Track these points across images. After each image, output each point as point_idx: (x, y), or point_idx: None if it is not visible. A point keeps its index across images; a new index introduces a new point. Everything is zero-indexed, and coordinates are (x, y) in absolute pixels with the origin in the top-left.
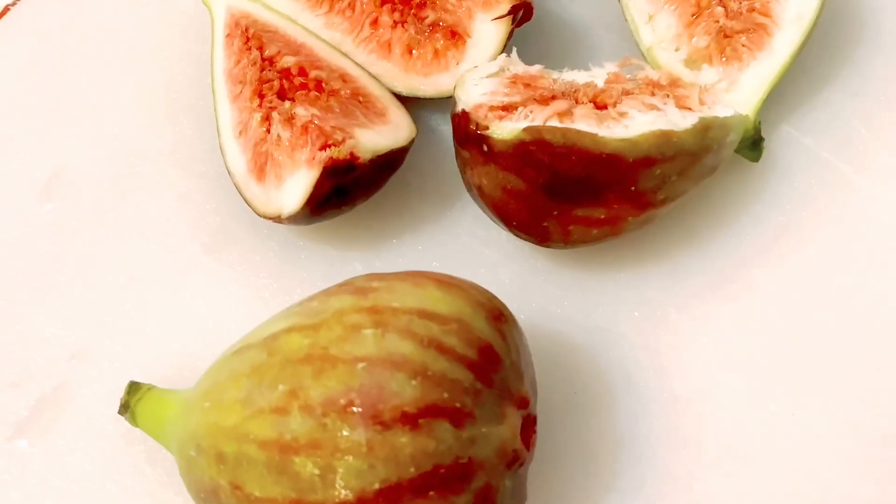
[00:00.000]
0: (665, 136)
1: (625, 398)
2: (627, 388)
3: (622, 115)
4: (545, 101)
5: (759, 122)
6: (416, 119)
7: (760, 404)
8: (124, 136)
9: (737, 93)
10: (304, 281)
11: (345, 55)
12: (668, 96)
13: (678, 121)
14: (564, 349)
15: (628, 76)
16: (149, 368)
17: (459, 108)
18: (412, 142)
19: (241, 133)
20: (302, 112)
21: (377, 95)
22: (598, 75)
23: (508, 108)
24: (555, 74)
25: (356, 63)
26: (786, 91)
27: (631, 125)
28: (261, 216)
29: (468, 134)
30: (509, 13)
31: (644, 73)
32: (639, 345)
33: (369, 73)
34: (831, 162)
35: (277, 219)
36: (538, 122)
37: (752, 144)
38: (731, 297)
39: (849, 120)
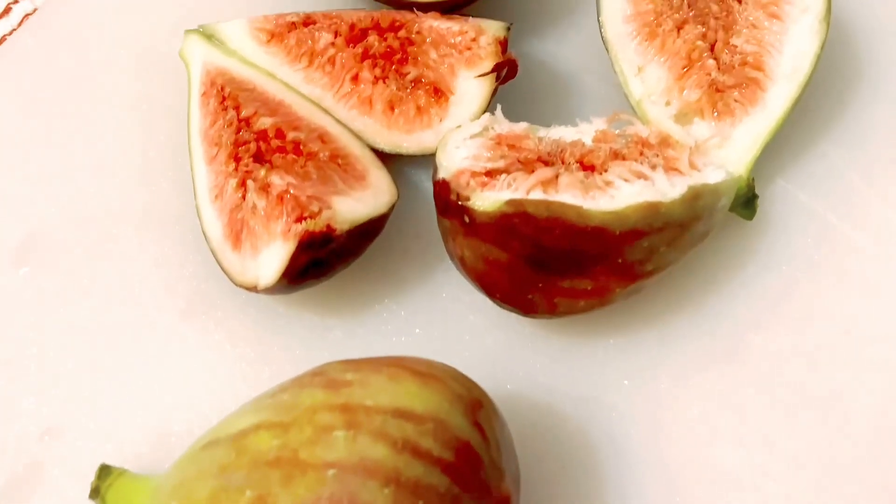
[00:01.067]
0: (652, 208)
1: (614, 472)
2: (617, 462)
3: (608, 184)
4: (530, 164)
5: (753, 179)
6: (398, 175)
7: (756, 480)
8: (100, 196)
9: (729, 149)
10: (284, 348)
11: (325, 111)
12: (657, 156)
13: (666, 190)
14: (552, 420)
15: (617, 131)
16: (123, 445)
17: (440, 176)
18: (393, 207)
19: (216, 197)
20: (277, 181)
21: (357, 156)
22: (585, 131)
23: (492, 174)
24: (541, 132)
25: (337, 120)
26: (780, 143)
27: (617, 196)
28: (237, 285)
29: (449, 204)
30: (493, 71)
31: (634, 129)
32: (629, 416)
33: (350, 131)
34: (828, 219)
35: (254, 289)
36: (521, 193)
37: (746, 202)
38: (726, 365)
39: (846, 173)
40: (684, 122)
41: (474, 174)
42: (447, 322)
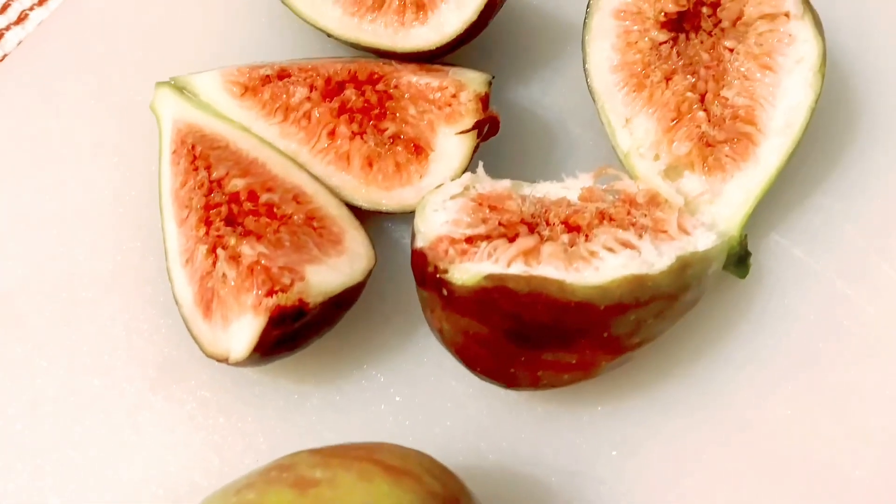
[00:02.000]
0: (639, 281)
1: None
2: None
3: (593, 254)
4: (513, 227)
5: (745, 236)
6: (378, 232)
7: None
8: (68, 256)
9: (720, 206)
10: (258, 419)
11: (301, 167)
12: (645, 215)
13: (653, 260)
14: (538, 496)
15: (604, 186)
16: None
17: (418, 245)
18: (370, 273)
19: (187, 262)
20: (248, 251)
21: (334, 216)
22: (572, 187)
23: (472, 240)
24: (525, 188)
25: (313, 176)
26: (774, 194)
27: (602, 268)
28: (208, 356)
29: (426, 276)
30: (474, 128)
31: (621, 185)
32: (617, 490)
33: (327, 188)
34: (825, 275)
35: (225, 361)
36: (502, 265)
37: (739, 260)
38: (718, 433)
39: (842, 226)
40: (674, 176)
41: (453, 241)
42: (428, 389)
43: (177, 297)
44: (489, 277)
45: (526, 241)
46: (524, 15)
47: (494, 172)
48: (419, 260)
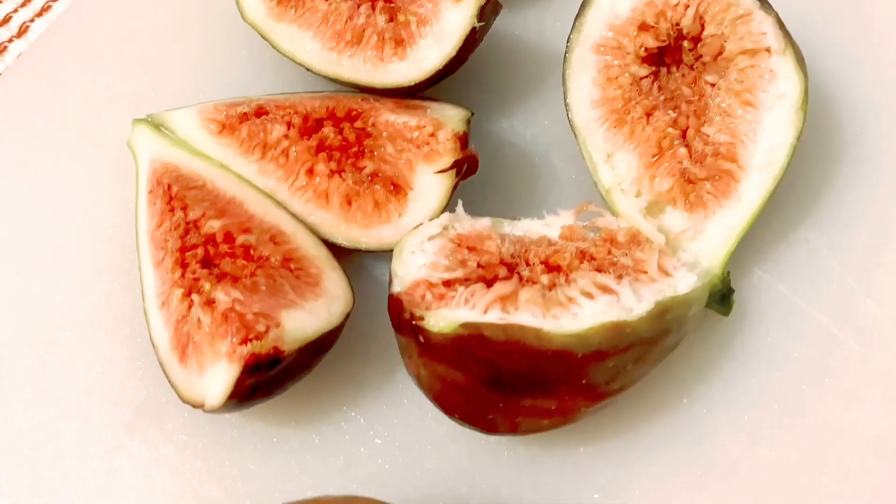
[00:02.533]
0: (617, 329)
1: None
2: None
3: (571, 300)
4: (491, 269)
5: (728, 273)
6: (357, 269)
7: None
8: (44, 297)
9: (702, 243)
10: (236, 463)
11: (279, 204)
12: (626, 255)
13: (632, 305)
14: None
15: (585, 223)
16: None
17: (395, 289)
18: (347, 316)
19: (163, 304)
20: (222, 297)
21: (312, 257)
22: (552, 224)
23: (450, 284)
24: (505, 226)
25: (291, 214)
26: (758, 228)
27: (580, 314)
28: (184, 402)
29: (402, 322)
30: (453, 167)
31: (603, 222)
32: None
33: (306, 226)
34: (809, 312)
35: (201, 407)
36: (479, 311)
37: (722, 298)
38: (702, 475)
39: (827, 261)
40: (656, 213)
41: (430, 285)
42: (408, 430)
43: (153, 339)
44: (465, 325)
45: (503, 287)
46: (506, 45)
47: (476, 206)
48: (395, 305)
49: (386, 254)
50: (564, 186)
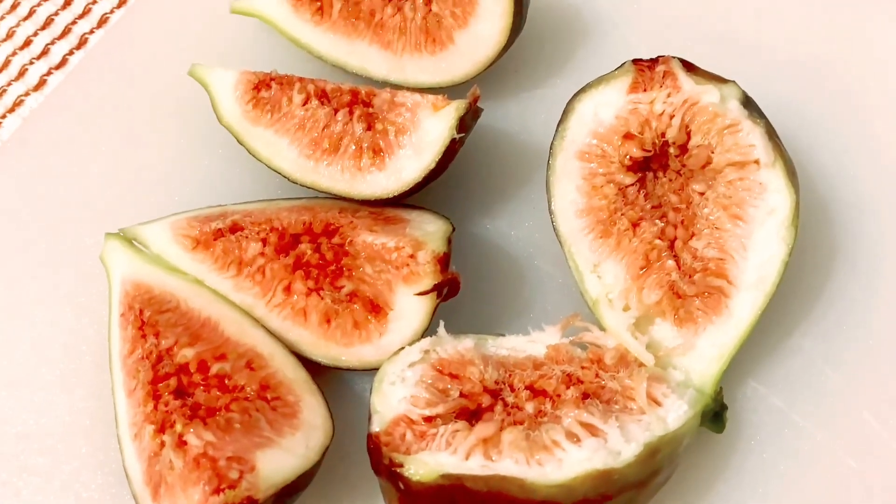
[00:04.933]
0: (604, 476)
1: None
2: None
3: (556, 444)
4: (474, 399)
5: (721, 390)
6: (339, 385)
7: None
8: (17, 419)
9: (693, 359)
10: None
11: (256, 322)
12: (613, 378)
13: (620, 448)
14: None
15: (571, 338)
16: None
17: (374, 427)
18: (326, 450)
19: (136, 436)
20: (195, 441)
21: (290, 382)
22: (538, 341)
23: (430, 420)
24: (489, 344)
25: (268, 332)
26: (750, 337)
27: (566, 461)
28: None
29: (381, 467)
30: (433, 290)
31: (590, 337)
32: None
33: (283, 344)
34: (804, 426)
35: None
36: (460, 457)
37: (714, 416)
38: None
39: (822, 369)
40: (645, 324)
41: (411, 423)
42: None
43: (126, 470)
44: (446, 476)
45: (485, 429)
46: (489, 140)
47: (460, 314)
48: (375, 449)
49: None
50: (550, 292)
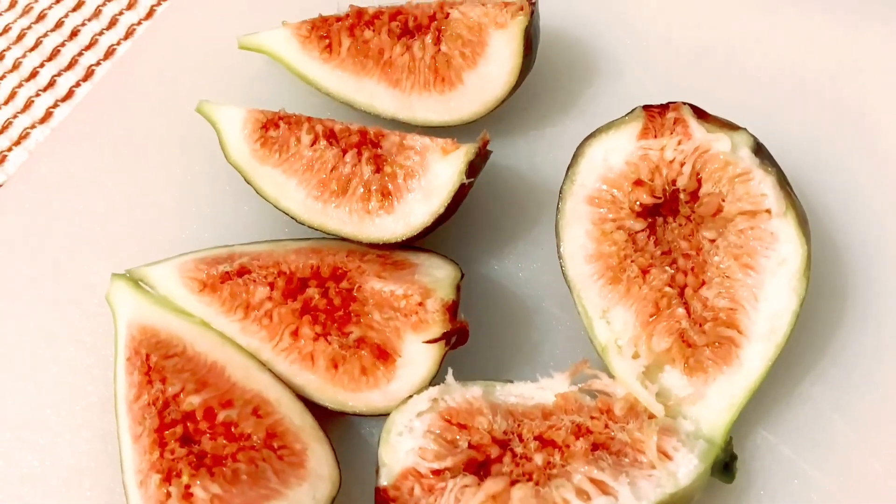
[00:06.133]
0: None
1: None
2: None
3: (566, 502)
4: (483, 450)
5: (731, 440)
6: (345, 427)
7: None
8: (21, 461)
9: (703, 408)
10: None
11: (263, 365)
12: (623, 429)
13: None
14: None
15: (580, 385)
16: None
17: (382, 481)
18: (333, 500)
19: (141, 483)
20: (201, 494)
21: (297, 430)
22: (547, 387)
23: (439, 474)
24: (497, 390)
25: (275, 376)
26: (760, 386)
27: None
28: None
29: None
30: (442, 338)
31: (599, 385)
32: None
33: (290, 388)
34: (813, 476)
35: None
36: None
37: (724, 466)
38: None
39: (831, 417)
40: (654, 372)
41: (419, 476)
42: None
43: None
44: None
45: (494, 485)
46: (497, 179)
47: (468, 357)
48: (383, 503)
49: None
50: (558, 335)
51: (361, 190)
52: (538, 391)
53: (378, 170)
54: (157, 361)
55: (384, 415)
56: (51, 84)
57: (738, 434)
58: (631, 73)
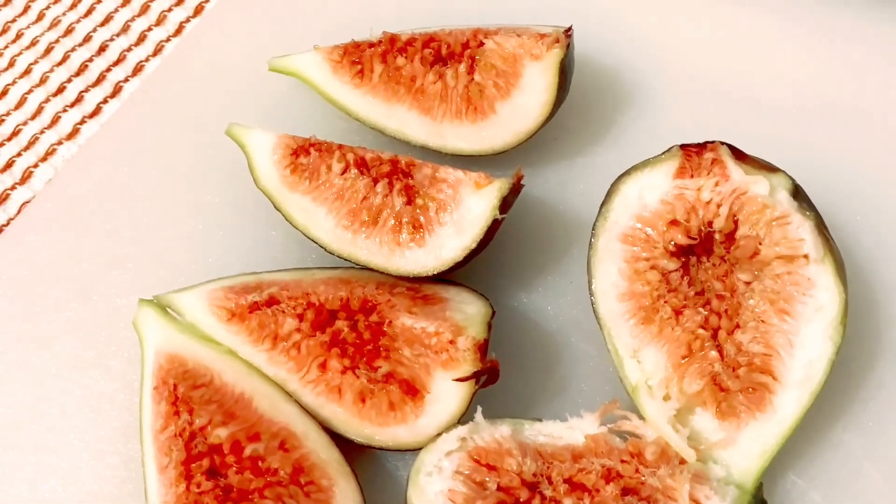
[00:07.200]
0: None
1: None
2: None
3: None
4: (513, 494)
5: (761, 486)
6: (371, 462)
7: None
8: (44, 486)
9: (735, 454)
10: None
11: (290, 396)
12: (654, 474)
13: None
14: None
15: (610, 426)
16: None
17: None
18: None
19: None
20: None
21: (323, 464)
22: (576, 427)
23: None
24: (526, 429)
25: (302, 408)
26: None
27: None
28: None
29: None
30: (472, 377)
31: (630, 426)
32: None
33: (317, 423)
34: None
35: None
36: None
37: None
38: None
39: (861, 464)
40: (685, 414)
41: None
42: None
43: None
44: None
45: None
46: (527, 211)
47: (496, 392)
48: None
49: None
50: (586, 371)
51: (392, 221)
52: (567, 431)
53: (410, 201)
54: (184, 392)
55: (411, 450)
56: (78, 100)
57: (769, 478)
58: (662, 101)
